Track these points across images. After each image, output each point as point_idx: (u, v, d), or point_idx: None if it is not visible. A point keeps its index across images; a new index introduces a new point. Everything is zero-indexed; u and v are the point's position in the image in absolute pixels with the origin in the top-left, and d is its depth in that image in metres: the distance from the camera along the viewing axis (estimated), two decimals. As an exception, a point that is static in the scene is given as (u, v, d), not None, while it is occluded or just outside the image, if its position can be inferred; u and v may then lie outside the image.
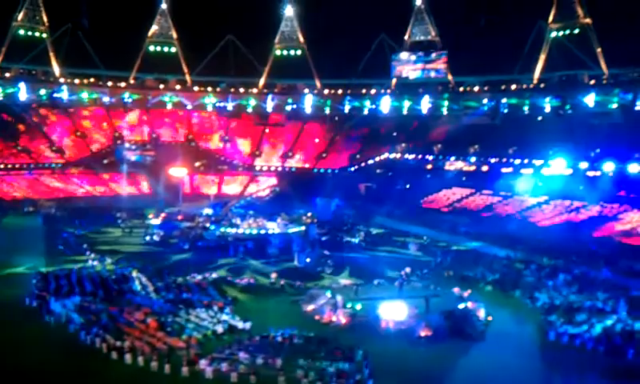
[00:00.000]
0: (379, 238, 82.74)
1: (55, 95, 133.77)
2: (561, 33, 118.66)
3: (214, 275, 58.73)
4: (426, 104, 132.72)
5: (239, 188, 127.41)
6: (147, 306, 46.93)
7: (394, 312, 44.03)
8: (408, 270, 60.57)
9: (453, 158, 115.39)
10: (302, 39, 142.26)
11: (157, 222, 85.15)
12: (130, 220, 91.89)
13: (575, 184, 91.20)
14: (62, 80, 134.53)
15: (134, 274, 57.03)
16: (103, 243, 75.02)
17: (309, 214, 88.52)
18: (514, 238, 75.51)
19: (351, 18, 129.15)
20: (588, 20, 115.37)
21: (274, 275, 58.27)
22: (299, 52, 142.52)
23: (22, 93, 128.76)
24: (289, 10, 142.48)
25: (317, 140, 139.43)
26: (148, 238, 78.11)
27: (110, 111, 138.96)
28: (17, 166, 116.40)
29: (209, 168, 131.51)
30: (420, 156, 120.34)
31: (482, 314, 46.11)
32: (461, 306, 47.14)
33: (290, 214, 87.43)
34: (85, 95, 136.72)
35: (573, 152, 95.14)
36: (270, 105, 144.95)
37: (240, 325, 43.59)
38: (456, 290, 52.35)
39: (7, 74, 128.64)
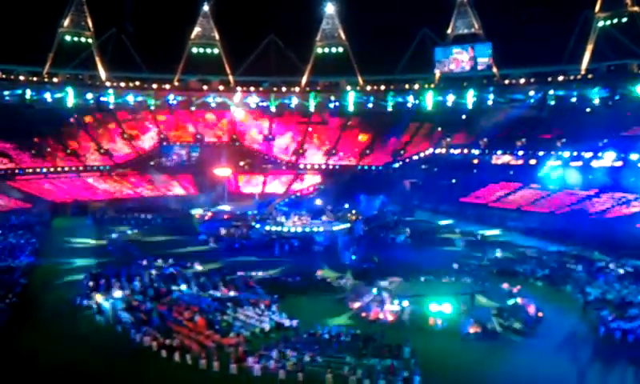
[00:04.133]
0: (425, 235, 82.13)
1: (102, 99, 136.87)
2: (608, 22, 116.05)
3: (260, 273, 59.04)
4: (470, 98, 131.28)
5: (283, 186, 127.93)
6: (195, 304, 47.48)
7: (441, 308, 43.66)
8: (456, 266, 60.02)
9: (499, 152, 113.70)
10: (343, 36, 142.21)
11: (203, 221, 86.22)
12: (176, 220, 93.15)
13: (626, 176, 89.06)
14: (107, 84, 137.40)
15: (182, 272, 57.88)
16: (151, 243, 76.18)
17: (354, 212, 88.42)
18: (564, 232, 74.30)
19: (392, 14, 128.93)
20: (636, 8, 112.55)
21: (319, 273, 58.34)
22: (341, 49, 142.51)
23: (70, 97, 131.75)
24: (329, 8, 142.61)
25: (361, 137, 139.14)
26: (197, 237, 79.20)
27: (155, 113, 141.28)
28: (66, 168, 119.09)
29: (253, 167, 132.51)
30: (466, 150, 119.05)
31: (532, 309, 45.39)
32: (510, 301, 46.53)
33: (335, 212, 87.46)
34: (130, 98, 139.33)
35: (623, 143, 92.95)
36: (312, 103, 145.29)
37: (287, 322, 43.81)
38: (505, 285, 51.70)
39: (55, 80, 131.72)
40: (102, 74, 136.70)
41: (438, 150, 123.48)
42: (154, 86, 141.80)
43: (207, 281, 55.14)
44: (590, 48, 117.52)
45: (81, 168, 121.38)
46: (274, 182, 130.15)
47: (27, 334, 42.08)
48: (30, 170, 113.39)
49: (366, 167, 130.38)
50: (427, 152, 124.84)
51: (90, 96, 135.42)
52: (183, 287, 52.92)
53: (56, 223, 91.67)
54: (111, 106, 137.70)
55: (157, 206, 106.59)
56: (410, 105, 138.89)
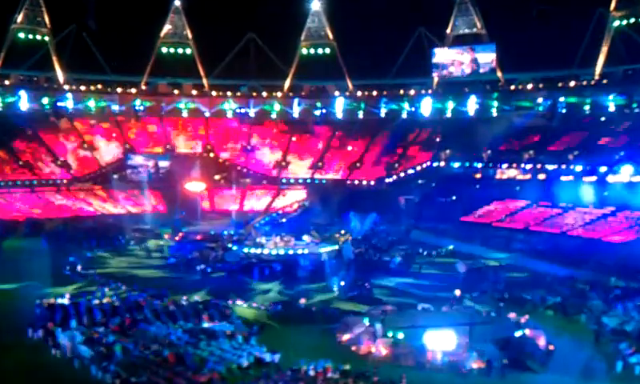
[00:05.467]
0: (422, 257, 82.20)
1: (59, 104, 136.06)
2: (624, 21, 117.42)
3: (237, 301, 58.82)
4: (472, 105, 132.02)
5: (264, 203, 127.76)
6: (164, 336, 47.15)
7: (441, 341, 43.60)
8: (458, 292, 60.04)
9: (505, 166, 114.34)
10: (330, 36, 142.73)
11: (173, 242, 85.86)
12: (144, 241, 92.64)
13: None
14: (66, 87, 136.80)
15: (149, 300, 57.46)
16: (114, 267, 75.66)
17: (342, 232, 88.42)
18: (577, 256, 74.51)
19: (385, 11, 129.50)
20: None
21: (303, 301, 58.23)
22: (328, 50, 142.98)
23: (23, 102, 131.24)
24: (315, 4, 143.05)
25: (350, 147, 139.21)
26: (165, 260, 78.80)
27: (119, 121, 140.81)
28: (18, 183, 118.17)
29: (230, 182, 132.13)
30: (467, 163, 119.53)
31: (542, 342, 45.44)
32: (518, 333, 46.56)
33: (321, 232, 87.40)
34: (92, 103, 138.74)
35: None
36: (296, 110, 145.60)
37: (267, 357, 43.58)
38: (512, 315, 51.72)
39: (7, 82, 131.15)
40: (60, 76, 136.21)
41: (435, 163, 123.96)
42: (119, 90, 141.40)
43: (177, 310, 54.81)
44: (604, 50, 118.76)
45: (35, 182, 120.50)
46: (253, 197, 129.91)
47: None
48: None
49: (356, 182, 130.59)
50: (424, 165, 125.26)
51: (45, 101, 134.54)
52: (150, 317, 52.59)
53: (6, 245, 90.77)
54: (70, 112, 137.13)
55: (121, 224, 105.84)
56: (405, 113, 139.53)
